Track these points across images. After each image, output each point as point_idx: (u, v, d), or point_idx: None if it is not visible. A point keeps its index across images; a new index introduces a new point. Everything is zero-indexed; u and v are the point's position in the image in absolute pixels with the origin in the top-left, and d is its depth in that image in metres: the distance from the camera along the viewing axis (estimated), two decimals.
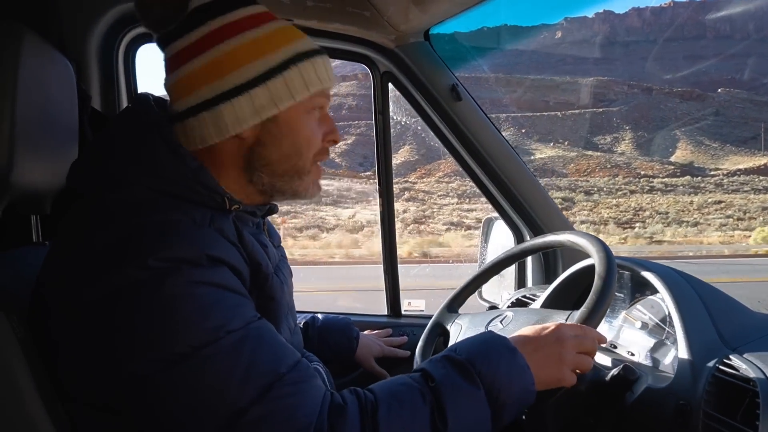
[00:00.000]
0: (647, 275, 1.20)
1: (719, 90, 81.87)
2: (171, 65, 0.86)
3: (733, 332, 1.04)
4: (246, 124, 0.84)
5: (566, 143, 61.19)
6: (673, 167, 52.79)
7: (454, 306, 1.32)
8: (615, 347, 1.27)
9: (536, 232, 1.70)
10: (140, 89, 1.56)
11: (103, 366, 0.70)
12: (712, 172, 52.82)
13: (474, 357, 0.81)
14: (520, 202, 1.69)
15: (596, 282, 1.00)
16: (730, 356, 0.96)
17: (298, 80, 0.85)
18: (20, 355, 0.72)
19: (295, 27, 0.93)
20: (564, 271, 1.39)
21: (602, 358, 1.21)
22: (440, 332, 1.29)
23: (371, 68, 1.69)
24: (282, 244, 1.12)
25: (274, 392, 0.70)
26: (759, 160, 56.68)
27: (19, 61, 0.81)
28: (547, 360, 0.87)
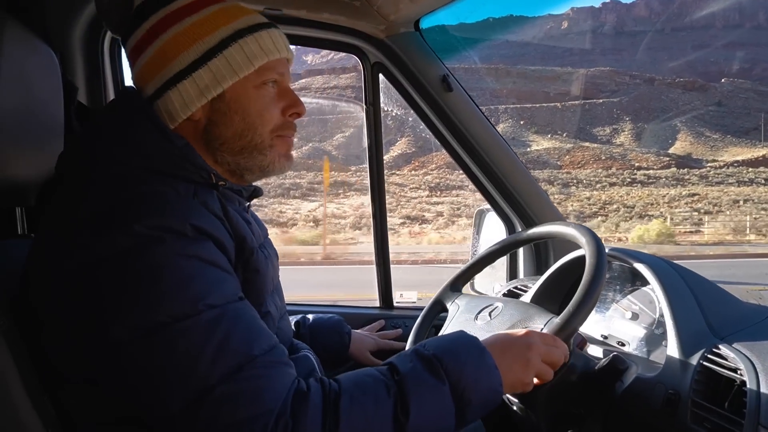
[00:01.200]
0: (638, 266, 1.20)
1: (722, 80, 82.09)
2: (130, 62, 0.90)
3: (722, 322, 1.04)
4: (194, 106, 0.86)
5: (564, 134, 61.26)
6: (668, 159, 53.06)
7: (457, 285, 1.33)
8: (606, 338, 1.27)
9: (527, 223, 1.70)
10: (127, 81, 1.54)
11: (83, 331, 0.71)
12: (708, 164, 53.04)
13: (442, 353, 0.82)
14: (512, 193, 1.69)
15: (585, 277, 1.00)
16: (719, 345, 0.97)
17: (239, 56, 0.86)
18: (4, 345, 0.71)
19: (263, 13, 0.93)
20: (555, 262, 1.39)
21: (593, 349, 1.21)
22: (440, 309, 1.31)
23: (361, 59, 1.67)
24: None
25: (243, 373, 0.71)
26: (758, 152, 57.14)
27: (1, 50, 0.79)
28: (514, 363, 0.87)
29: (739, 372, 0.89)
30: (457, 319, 1.21)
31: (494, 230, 1.85)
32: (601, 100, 71.92)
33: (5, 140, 0.80)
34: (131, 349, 0.69)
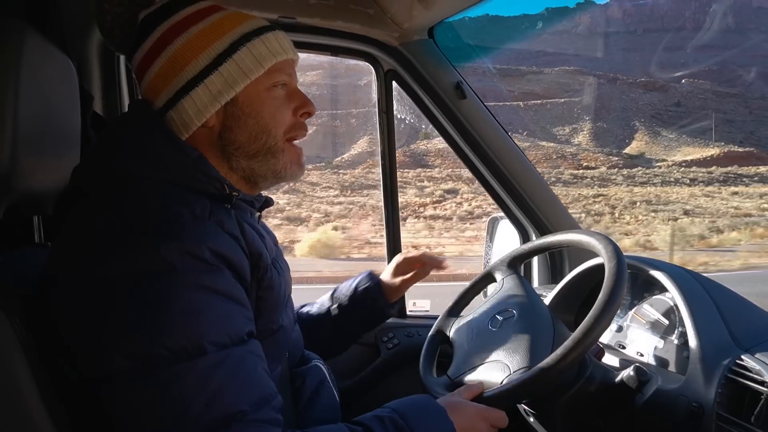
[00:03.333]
0: (656, 274, 1.18)
1: (683, 81, 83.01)
2: (138, 77, 0.91)
3: (745, 332, 1.02)
4: (208, 112, 0.86)
5: (524, 133, 61.43)
6: (617, 158, 53.42)
7: (455, 311, 1.30)
8: (623, 347, 1.25)
9: (542, 231, 1.69)
10: None
11: (86, 348, 0.71)
12: (657, 164, 53.86)
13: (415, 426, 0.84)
14: (526, 200, 1.68)
15: (603, 289, 0.98)
16: (743, 357, 0.95)
17: (249, 59, 0.87)
18: (21, 355, 0.71)
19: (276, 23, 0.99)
20: (571, 270, 1.37)
21: (611, 359, 1.19)
22: (441, 339, 1.27)
23: (375, 66, 1.67)
24: None
25: (230, 429, 0.69)
26: (709, 151, 58.01)
27: (21, 59, 0.80)
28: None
29: (765, 384, 0.87)
30: (468, 338, 1.19)
31: (508, 238, 1.83)
32: (563, 100, 72.21)
33: (24, 149, 0.80)
34: (126, 381, 0.68)
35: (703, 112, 72.27)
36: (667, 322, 1.19)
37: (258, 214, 1.01)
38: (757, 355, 0.95)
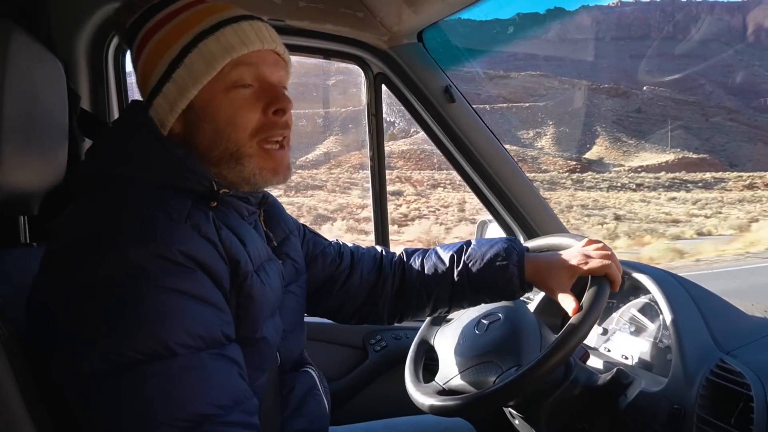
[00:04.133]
0: (640, 277, 1.20)
1: (644, 88, 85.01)
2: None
3: (727, 335, 1.04)
4: (169, 121, 0.84)
5: None
6: (575, 162, 54.44)
7: (438, 319, 1.29)
8: (608, 350, 1.26)
9: (530, 234, 1.70)
10: (131, 90, 1.54)
11: (64, 349, 0.70)
12: (613, 168, 55.45)
13: None
14: (514, 204, 1.69)
15: (588, 290, 0.99)
16: (724, 359, 0.96)
17: (199, 62, 0.81)
18: (4, 356, 0.70)
19: (264, 23, 0.88)
20: None
21: (595, 362, 1.21)
22: (425, 348, 1.28)
23: (364, 69, 1.68)
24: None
25: (201, 429, 0.68)
26: (664, 157, 60.04)
27: (6, 58, 0.79)
28: None
29: (745, 387, 0.88)
30: (452, 344, 1.20)
31: None
32: (528, 104, 73.44)
33: (11, 149, 0.80)
34: (95, 382, 0.67)
35: (662, 119, 74.42)
36: (651, 324, 1.20)
37: (258, 211, 0.97)
38: (739, 358, 0.96)
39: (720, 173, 47.45)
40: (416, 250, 1.23)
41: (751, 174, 47.34)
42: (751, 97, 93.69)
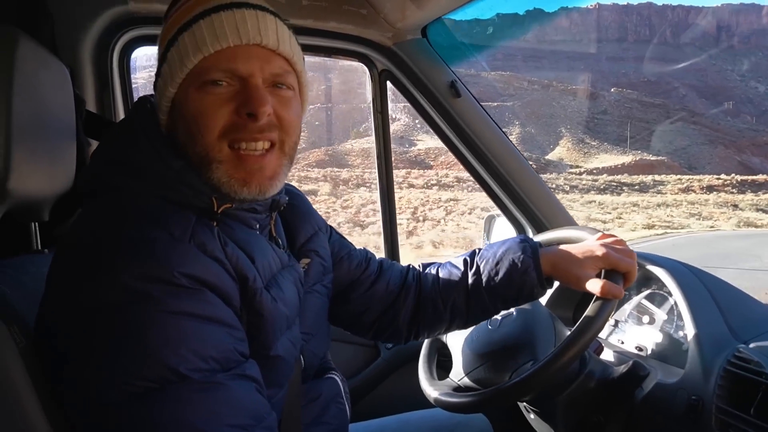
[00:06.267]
0: (654, 269, 1.19)
1: (612, 89, 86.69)
2: None
3: (743, 325, 1.03)
4: (162, 121, 0.82)
5: None
6: (534, 164, 55.12)
7: None
8: (622, 343, 1.26)
9: (539, 228, 1.69)
10: (136, 94, 1.54)
11: (78, 383, 0.68)
12: (570, 170, 55.71)
13: None
14: (522, 197, 1.68)
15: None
16: (741, 348, 0.95)
17: (173, 60, 0.77)
18: (21, 364, 0.70)
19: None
20: None
21: (610, 355, 1.20)
22: (439, 346, 1.27)
23: (369, 67, 1.67)
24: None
25: None
26: (623, 159, 60.44)
27: (14, 65, 0.79)
28: None
29: (764, 376, 0.87)
30: (464, 341, 1.19)
31: (504, 236, 1.83)
32: (496, 104, 73.79)
33: (21, 156, 0.80)
34: (111, 412, 0.65)
35: (626, 121, 74.97)
36: (665, 316, 1.19)
37: (271, 218, 0.92)
38: (755, 347, 0.95)
39: (662, 176, 47.43)
40: (432, 262, 1.21)
41: (691, 177, 47.46)
42: (722, 100, 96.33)
